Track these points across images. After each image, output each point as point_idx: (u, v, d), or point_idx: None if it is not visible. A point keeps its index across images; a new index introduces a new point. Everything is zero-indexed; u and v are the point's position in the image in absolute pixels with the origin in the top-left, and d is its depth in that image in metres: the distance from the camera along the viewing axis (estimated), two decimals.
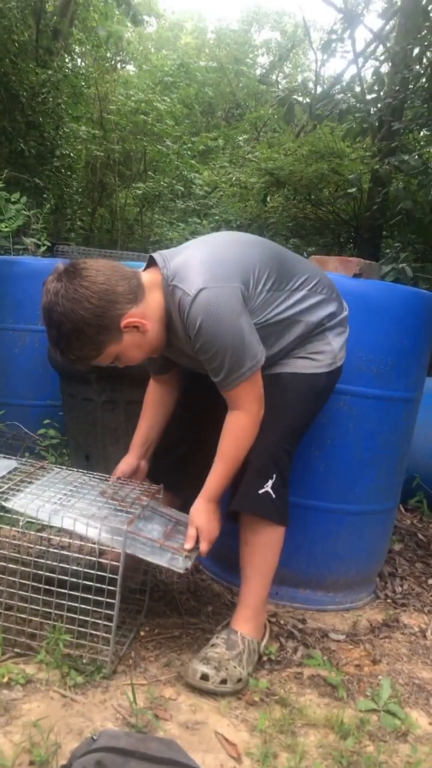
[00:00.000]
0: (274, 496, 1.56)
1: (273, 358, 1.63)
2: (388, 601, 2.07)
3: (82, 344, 1.48)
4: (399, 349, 1.85)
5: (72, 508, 1.50)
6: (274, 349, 1.62)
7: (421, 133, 6.08)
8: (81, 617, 1.48)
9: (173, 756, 0.97)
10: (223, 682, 1.47)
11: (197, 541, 1.58)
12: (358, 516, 1.92)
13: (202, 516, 1.58)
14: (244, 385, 1.52)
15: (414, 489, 2.76)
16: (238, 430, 1.56)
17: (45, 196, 5.87)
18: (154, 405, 1.84)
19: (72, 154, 7.14)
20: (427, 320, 1.92)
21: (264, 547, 1.60)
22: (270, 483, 1.56)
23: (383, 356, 1.83)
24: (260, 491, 1.55)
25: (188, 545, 1.55)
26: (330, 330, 1.67)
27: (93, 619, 1.47)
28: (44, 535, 1.55)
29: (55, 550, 1.52)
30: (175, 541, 1.56)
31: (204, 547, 1.58)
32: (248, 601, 1.61)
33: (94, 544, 1.44)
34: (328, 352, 1.65)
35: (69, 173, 6.92)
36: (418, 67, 5.24)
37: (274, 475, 1.57)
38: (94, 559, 1.46)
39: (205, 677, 1.46)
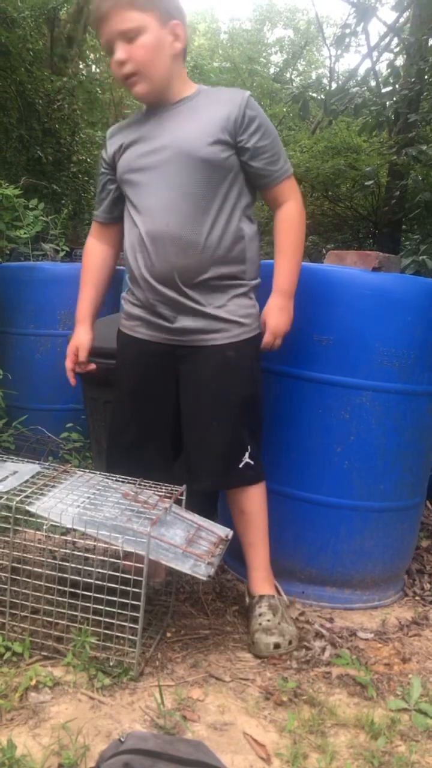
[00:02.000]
0: (252, 463, 1.67)
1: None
2: (417, 598, 2.04)
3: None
4: (422, 342, 1.82)
5: (95, 512, 1.50)
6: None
7: None
8: (107, 620, 1.48)
9: (201, 757, 0.97)
10: (290, 643, 1.64)
11: (220, 545, 1.60)
12: (384, 513, 1.90)
13: (273, 313, 1.66)
14: (291, 176, 1.66)
15: None
16: (297, 218, 1.66)
17: (63, 201, 5.92)
18: (99, 269, 1.82)
19: (89, 160, 7.18)
20: None
21: (259, 510, 1.72)
22: (247, 454, 1.66)
23: (405, 350, 1.80)
24: (240, 465, 1.66)
25: (264, 345, 1.66)
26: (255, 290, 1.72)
27: (119, 622, 1.47)
28: (69, 538, 1.56)
29: (80, 553, 1.53)
30: (198, 546, 1.55)
31: (277, 342, 1.68)
32: (260, 563, 1.73)
33: (118, 547, 1.44)
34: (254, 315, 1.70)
35: (86, 178, 6.96)
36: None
37: (249, 446, 1.67)
38: (118, 561, 1.46)
39: (277, 646, 1.61)
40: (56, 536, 1.68)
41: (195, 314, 1.63)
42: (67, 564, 1.53)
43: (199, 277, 1.60)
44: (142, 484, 1.70)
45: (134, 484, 1.69)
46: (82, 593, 1.50)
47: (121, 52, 1.52)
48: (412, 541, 2.09)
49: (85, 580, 1.50)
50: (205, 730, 1.34)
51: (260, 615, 1.65)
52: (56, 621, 1.53)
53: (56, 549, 1.63)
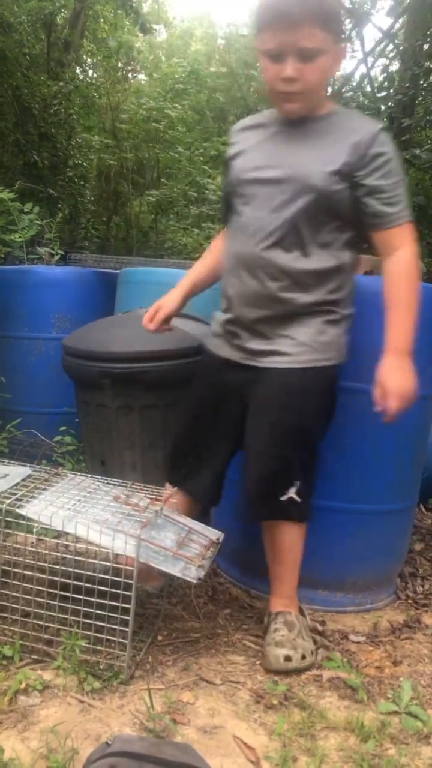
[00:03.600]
0: (298, 500, 1.58)
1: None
2: (409, 601, 2.04)
3: (337, 20, 1.47)
4: (414, 346, 1.82)
5: (85, 515, 1.50)
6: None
7: None
8: (97, 623, 1.48)
9: (188, 760, 0.96)
10: (303, 657, 1.58)
11: (211, 548, 1.59)
12: (376, 516, 1.90)
13: (393, 374, 1.49)
14: (408, 222, 1.54)
15: None
16: (411, 268, 1.53)
17: (59, 205, 5.94)
18: (214, 252, 1.80)
19: (85, 164, 7.20)
20: None
21: (292, 549, 1.65)
22: (293, 489, 1.57)
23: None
24: (283, 498, 1.57)
25: (377, 407, 1.51)
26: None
27: (109, 625, 1.47)
28: (60, 541, 1.56)
29: (71, 556, 1.52)
30: (189, 549, 1.55)
31: (401, 404, 1.49)
32: (283, 592, 1.68)
33: (108, 550, 1.44)
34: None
35: (82, 183, 6.98)
36: (428, 63, 5.20)
37: (297, 481, 1.58)
38: (109, 564, 1.46)
39: (288, 659, 1.55)
40: (47, 539, 1.68)
41: (270, 335, 1.58)
42: (57, 567, 1.53)
43: (286, 306, 1.55)
44: (133, 487, 1.70)
45: (125, 487, 1.69)
46: (73, 596, 1.50)
47: (292, 69, 1.43)
48: (405, 544, 2.09)
49: (75, 583, 1.49)
50: (194, 733, 1.34)
51: (275, 630, 1.60)
52: (47, 624, 1.53)
53: (47, 552, 1.63)
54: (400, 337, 1.51)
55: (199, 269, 1.81)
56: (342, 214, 1.53)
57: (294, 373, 1.56)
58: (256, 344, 1.60)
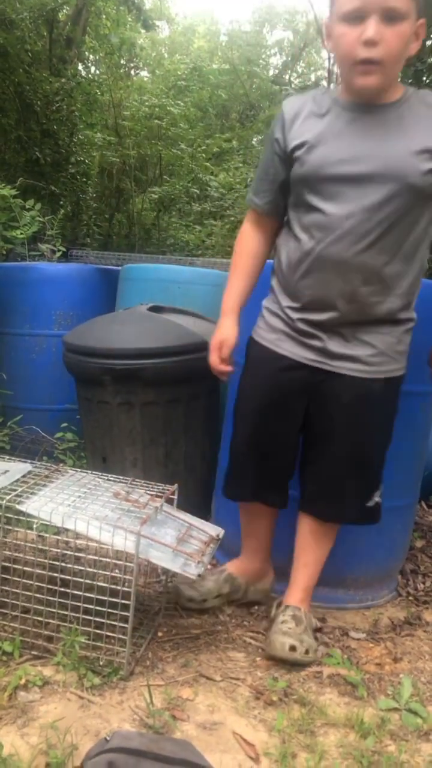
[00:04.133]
0: (380, 502, 1.66)
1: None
2: (410, 598, 2.04)
3: None
4: (413, 342, 1.82)
5: (85, 511, 1.50)
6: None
7: None
8: (97, 619, 1.48)
9: (187, 756, 0.96)
10: (306, 652, 1.58)
11: (211, 544, 1.60)
12: None
13: None
14: None
15: None
16: None
17: (61, 203, 5.93)
18: (253, 257, 1.65)
19: (87, 161, 7.19)
20: None
21: (330, 541, 1.70)
22: (378, 493, 1.65)
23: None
24: (369, 503, 1.64)
25: None
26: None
27: (109, 621, 1.47)
28: (61, 538, 1.56)
29: (72, 553, 1.53)
30: (189, 545, 1.55)
31: None
32: (305, 583, 1.69)
33: (108, 546, 1.44)
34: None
35: (84, 180, 6.98)
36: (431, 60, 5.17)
37: (381, 484, 1.66)
38: (108, 560, 1.46)
39: (293, 648, 1.55)
40: (48, 536, 1.68)
41: (350, 339, 1.53)
42: (58, 563, 1.53)
43: (374, 310, 1.49)
44: (134, 483, 1.70)
45: (125, 483, 1.69)
46: (73, 593, 1.50)
47: (376, 30, 1.32)
48: (406, 541, 2.09)
49: (75, 579, 1.49)
50: (194, 729, 1.34)
51: (282, 622, 1.60)
52: (47, 620, 1.53)
53: (47, 549, 1.63)
54: None
55: (240, 285, 1.65)
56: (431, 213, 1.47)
57: (375, 383, 1.55)
58: (335, 346, 1.53)
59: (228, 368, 1.65)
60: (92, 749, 1.01)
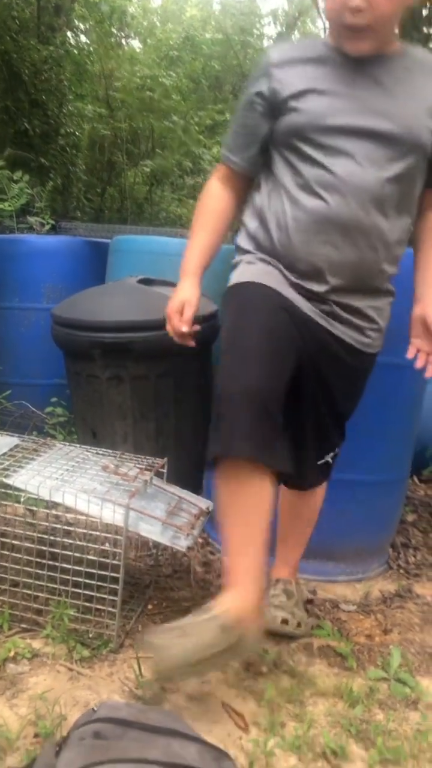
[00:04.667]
0: (332, 462, 1.57)
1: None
2: (401, 571, 2.05)
3: None
4: (404, 313, 1.79)
5: (73, 484, 1.49)
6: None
7: None
8: (87, 592, 1.47)
9: (174, 726, 0.96)
10: (298, 625, 1.57)
11: (201, 517, 1.56)
12: (368, 486, 1.89)
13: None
14: None
15: (427, 459, 2.72)
16: None
17: (51, 175, 5.83)
18: (219, 214, 1.48)
19: (77, 133, 7.06)
20: None
21: (314, 513, 1.64)
22: (332, 453, 1.57)
23: (391, 324, 1.78)
24: (320, 462, 1.55)
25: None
26: None
27: (99, 594, 1.47)
28: (50, 512, 1.55)
29: (62, 526, 1.51)
30: (178, 518, 1.54)
31: None
32: (292, 559, 1.66)
33: (96, 520, 1.43)
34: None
35: (74, 152, 6.85)
36: (427, 29, 5.06)
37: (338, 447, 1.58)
38: (98, 533, 1.45)
39: (285, 622, 1.54)
40: (38, 509, 1.66)
41: (352, 311, 1.42)
42: (46, 537, 1.52)
43: (375, 280, 1.41)
44: (123, 456, 1.69)
45: (114, 456, 1.68)
46: (62, 566, 1.49)
47: None
48: (396, 514, 2.09)
49: (64, 552, 1.49)
50: (183, 700, 1.34)
51: (273, 596, 1.58)
52: (36, 594, 1.52)
53: (37, 522, 1.62)
54: None
55: (205, 244, 1.46)
56: (424, 172, 1.39)
57: (371, 358, 1.51)
58: (342, 311, 1.40)
59: (195, 327, 1.43)
60: (79, 719, 1.01)
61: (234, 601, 1.23)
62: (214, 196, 1.49)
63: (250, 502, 1.25)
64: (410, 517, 2.42)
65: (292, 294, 1.37)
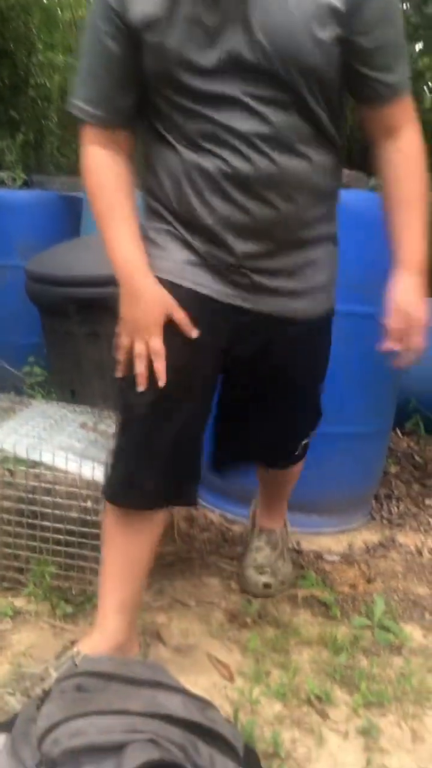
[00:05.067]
0: (308, 441, 1.46)
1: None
2: (384, 522, 2.06)
3: None
4: (376, 261, 1.75)
5: (50, 442, 1.45)
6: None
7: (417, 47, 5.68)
8: (69, 549, 1.46)
9: (157, 678, 0.95)
10: (282, 583, 1.57)
11: None
12: (351, 438, 1.88)
13: (416, 298, 1.14)
14: (409, 91, 1.13)
15: (410, 412, 2.71)
16: (420, 152, 1.14)
17: (22, 129, 5.62)
18: (125, 189, 1.14)
19: (48, 84, 6.77)
20: None
21: (294, 476, 1.56)
22: (306, 438, 1.45)
23: (372, 272, 1.74)
24: (304, 442, 1.45)
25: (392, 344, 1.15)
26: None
27: (81, 551, 1.45)
28: (30, 470, 1.51)
29: (41, 484, 1.48)
30: None
31: (420, 342, 1.16)
32: (276, 509, 1.63)
33: (75, 476, 1.40)
34: None
35: (46, 104, 6.59)
36: None
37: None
38: (76, 490, 1.43)
39: (267, 586, 1.54)
40: (15, 469, 1.63)
41: (292, 273, 1.19)
42: (25, 495, 1.49)
43: (299, 231, 1.15)
44: (101, 414, 1.65)
45: (93, 414, 1.64)
46: (43, 524, 1.46)
47: None
48: (379, 466, 2.09)
49: (45, 510, 1.46)
50: (169, 653, 1.34)
51: (257, 549, 1.57)
52: (17, 552, 1.50)
53: (16, 482, 1.59)
54: (417, 248, 1.13)
55: (133, 228, 1.14)
56: (335, 93, 1.10)
57: (324, 321, 1.30)
58: (266, 280, 1.16)
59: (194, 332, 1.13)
60: (61, 674, 1.00)
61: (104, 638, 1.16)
62: (106, 167, 1.14)
63: (135, 540, 1.19)
64: (393, 469, 2.43)
65: (202, 278, 1.14)
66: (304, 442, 1.45)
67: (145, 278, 1.11)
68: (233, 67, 1.02)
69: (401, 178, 1.14)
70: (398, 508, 2.17)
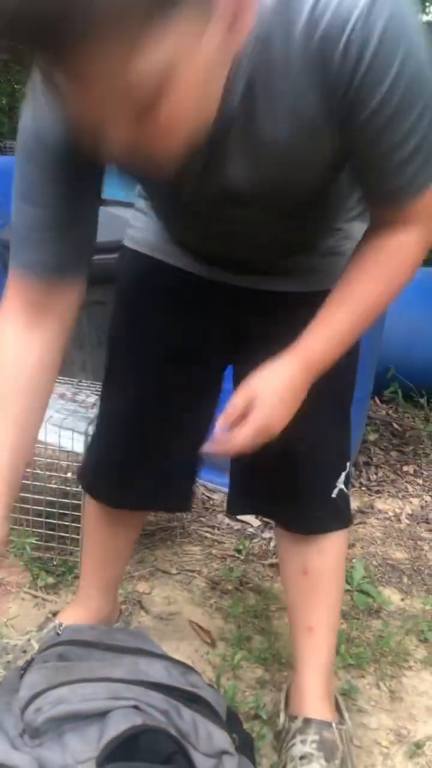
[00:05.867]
0: (346, 491, 1.05)
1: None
2: (363, 488, 2.08)
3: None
4: None
5: None
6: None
7: None
8: (50, 521, 1.45)
9: (139, 644, 0.96)
10: None
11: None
12: None
13: (275, 397, 0.78)
14: None
15: (389, 380, 2.73)
16: (405, 258, 0.80)
17: None
18: (26, 393, 0.83)
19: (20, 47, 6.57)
20: None
21: (335, 570, 1.08)
22: (343, 476, 1.04)
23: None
24: (334, 494, 1.02)
25: (215, 446, 0.81)
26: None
27: (62, 522, 1.45)
28: None
29: None
30: None
31: (256, 440, 0.78)
32: (321, 665, 1.05)
33: (54, 447, 1.39)
34: None
35: (19, 68, 6.40)
36: None
37: (348, 464, 1.06)
38: (56, 461, 1.42)
39: None
40: None
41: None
42: None
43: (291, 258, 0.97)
44: (80, 384, 1.63)
45: (72, 384, 1.62)
46: (23, 496, 1.45)
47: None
48: (359, 433, 2.11)
49: (24, 481, 1.45)
50: (151, 621, 1.35)
51: (302, 758, 0.97)
52: None
53: None
54: (320, 346, 0.80)
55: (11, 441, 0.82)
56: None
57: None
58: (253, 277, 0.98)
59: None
60: (43, 643, 1.00)
61: (84, 609, 1.17)
62: (8, 359, 0.82)
63: (118, 532, 1.14)
64: (372, 437, 2.45)
65: (184, 259, 1.01)
66: (339, 488, 1.03)
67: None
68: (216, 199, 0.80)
69: (363, 279, 0.81)
70: (377, 474, 2.19)
